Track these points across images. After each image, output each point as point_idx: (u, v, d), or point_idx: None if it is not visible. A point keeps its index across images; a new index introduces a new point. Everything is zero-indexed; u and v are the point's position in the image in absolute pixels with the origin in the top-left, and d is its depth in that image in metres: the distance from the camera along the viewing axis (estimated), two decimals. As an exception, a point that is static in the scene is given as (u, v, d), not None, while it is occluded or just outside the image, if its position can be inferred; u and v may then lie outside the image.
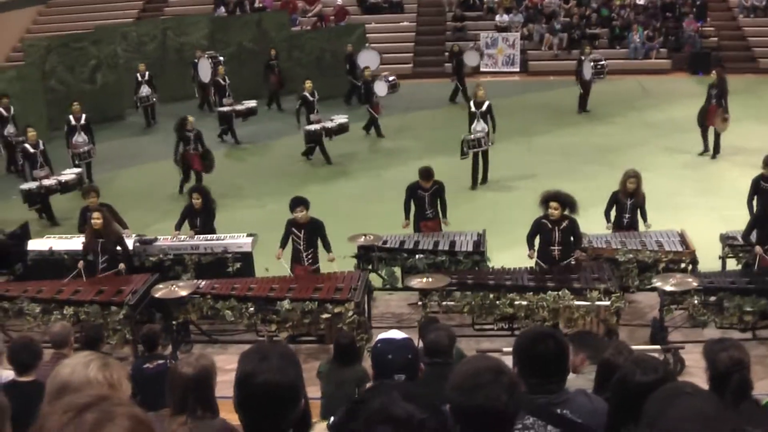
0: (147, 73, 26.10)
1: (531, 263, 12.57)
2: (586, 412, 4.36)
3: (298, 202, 12.74)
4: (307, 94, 21.61)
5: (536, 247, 12.43)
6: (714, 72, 20.55)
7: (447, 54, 28.25)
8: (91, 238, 12.81)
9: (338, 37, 29.59)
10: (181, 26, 29.89)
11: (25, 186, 18.01)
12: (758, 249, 12.01)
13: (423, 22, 34.53)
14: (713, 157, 20.30)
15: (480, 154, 18.88)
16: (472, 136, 18.50)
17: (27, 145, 18.49)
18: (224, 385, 5.45)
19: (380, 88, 24.08)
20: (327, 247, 12.88)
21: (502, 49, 32.34)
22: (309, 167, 21.28)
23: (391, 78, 24.94)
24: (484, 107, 18.71)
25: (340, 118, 22.24)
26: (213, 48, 28.46)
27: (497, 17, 33.32)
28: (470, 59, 28.07)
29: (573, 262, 12.20)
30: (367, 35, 30.07)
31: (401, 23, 34.54)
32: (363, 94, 24.15)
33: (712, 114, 19.99)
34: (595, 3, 33.83)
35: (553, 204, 12.07)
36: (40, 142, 18.66)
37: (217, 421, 5.10)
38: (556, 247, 12.21)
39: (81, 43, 27.49)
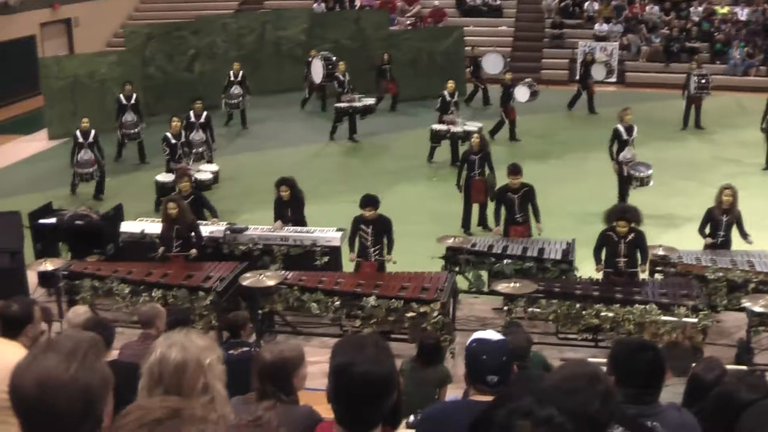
0: (241, 72, 25.12)
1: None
2: (675, 426, 4.33)
3: (368, 202, 12.78)
4: (446, 94, 21.64)
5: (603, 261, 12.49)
6: None
7: (579, 61, 27.82)
8: (168, 225, 13.19)
9: (435, 38, 29.50)
10: (281, 20, 30.16)
11: (161, 178, 17.66)
12: None
13: (521, 28, 34.34)
14: None
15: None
16: (641, 174, 17.24)
17: (169, 135, 17.93)
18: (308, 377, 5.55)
19: (521, 94, 23.74)
20: (390, 247, 12.97)
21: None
22: (407, 166, 21.27)
23: (533, 84, 24.54)
24: (635, 132, 17.65)
25: (472, 125, 20.92)
26: (309, 43, 28.63)
27: (596, 26, 33.04)
28: (597, 72, 27.14)
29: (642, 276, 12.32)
30: (465, 38, 29.93)
31: (499, 27, 34.37)
32: (501, 97, 23.56)
33: None
34: (696, 16, 33.34)
35: (620, 222, 12.14)
36: (183, 133, 18.20)
37: (304, 407, 5.17)
38: (622, 259, 12.22)
39: (181, 32, 27.89)
